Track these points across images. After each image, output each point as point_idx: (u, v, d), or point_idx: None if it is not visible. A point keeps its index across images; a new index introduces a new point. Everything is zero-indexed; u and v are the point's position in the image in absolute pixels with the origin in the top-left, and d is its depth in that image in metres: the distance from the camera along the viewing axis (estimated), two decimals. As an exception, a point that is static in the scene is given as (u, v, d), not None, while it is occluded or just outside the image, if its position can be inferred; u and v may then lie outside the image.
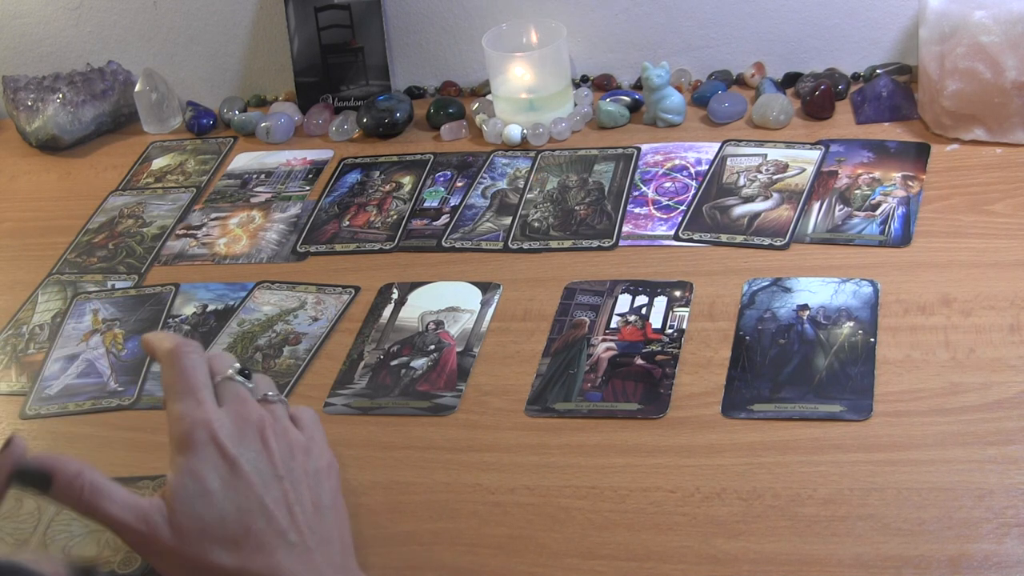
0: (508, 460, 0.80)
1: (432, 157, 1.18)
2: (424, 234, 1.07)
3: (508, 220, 1.06)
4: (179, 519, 0.65)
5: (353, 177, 1.17)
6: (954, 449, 0.74)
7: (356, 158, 1.21)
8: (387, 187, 1.14)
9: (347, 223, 1.10)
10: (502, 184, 1.12)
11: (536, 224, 1.05)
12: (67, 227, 1.18)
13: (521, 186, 1.11)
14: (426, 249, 1.05)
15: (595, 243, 1.01)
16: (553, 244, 1.02)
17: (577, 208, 1.06)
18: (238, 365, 0.72)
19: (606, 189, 1.08)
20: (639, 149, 1.13)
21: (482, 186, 1.12)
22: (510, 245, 1.03)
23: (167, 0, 1.33)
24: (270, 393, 0.73)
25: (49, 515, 0.76)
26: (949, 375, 0.80)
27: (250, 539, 0.65)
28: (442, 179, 1.14)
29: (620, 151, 1.13)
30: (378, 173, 1.17)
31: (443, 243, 1.05)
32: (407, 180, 1.15)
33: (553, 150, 1.15)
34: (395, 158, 1.19)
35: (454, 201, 1.10)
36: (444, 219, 1.08)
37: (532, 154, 1.16)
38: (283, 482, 0.67)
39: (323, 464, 0.71)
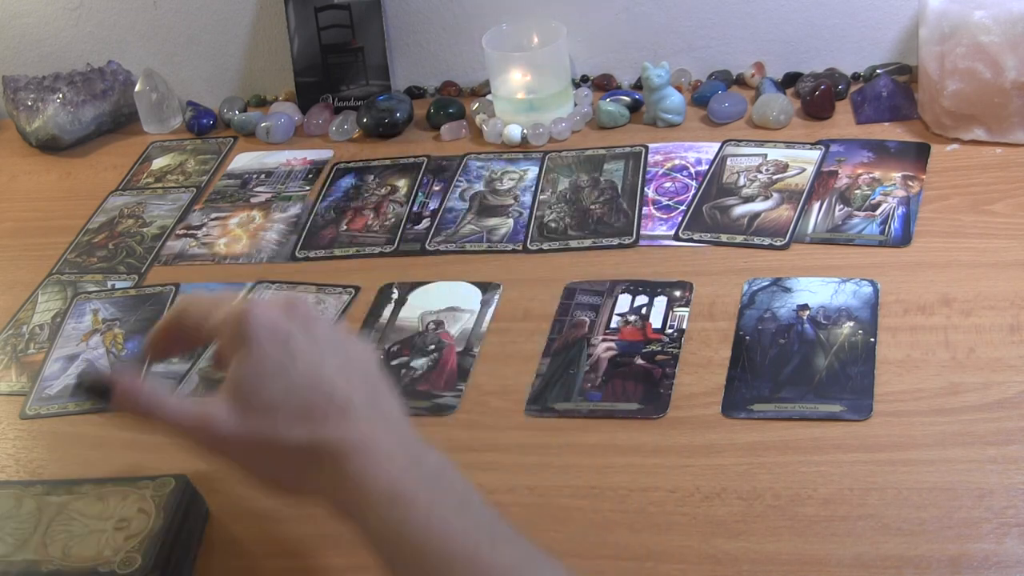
0: (508, 460, 0.80)
1: (426, 160, 1.18)
2: (408, 238, 1.07)
3: (491, 222, 1.07)
4: (243, 402, 0.63)
5: (347, 182, 1.17)
6: (954, 449, 0.74)
7: (348, 163, 1.21)
8: (382, 191, 1.14)
9: (345, 227, 1.10)
10: (479, 186, 1.12)
11: (553, 224, 1.05)
12: (67, 227, 1.18)
13: (499, 187, 1.11)
14: (412, 252, 1.05)
15: (615, 241, 1.01)
16: (572, 244, 1.02)
17: (592, 207, 1.06)
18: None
19: (619, 187, 1.08)
20: (647, 147, 1.13)
21: (459, 189, 1.12)
22: (529, 247, 1.03)
23: (167, 0, 1.33)
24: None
25: (49, 515, 0.76)
26: (949, 375, 0.80)
27: (316, 410, 0.63)
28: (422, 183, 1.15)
29: (628, 150, 1.13)
30: (372, 177, 1.17)
31: (427, 246, 1.05)
32: (402, 183, 1.15)
33: (560, 151, 1.15)
34: (388, 161, 1.19)
35: (433, 205, 1.11)
36: (425, 223, 1.08)
37: (507, 156, 1.16)
38: (336, 355, 0.66)
39: (363, 347, 0.70)
